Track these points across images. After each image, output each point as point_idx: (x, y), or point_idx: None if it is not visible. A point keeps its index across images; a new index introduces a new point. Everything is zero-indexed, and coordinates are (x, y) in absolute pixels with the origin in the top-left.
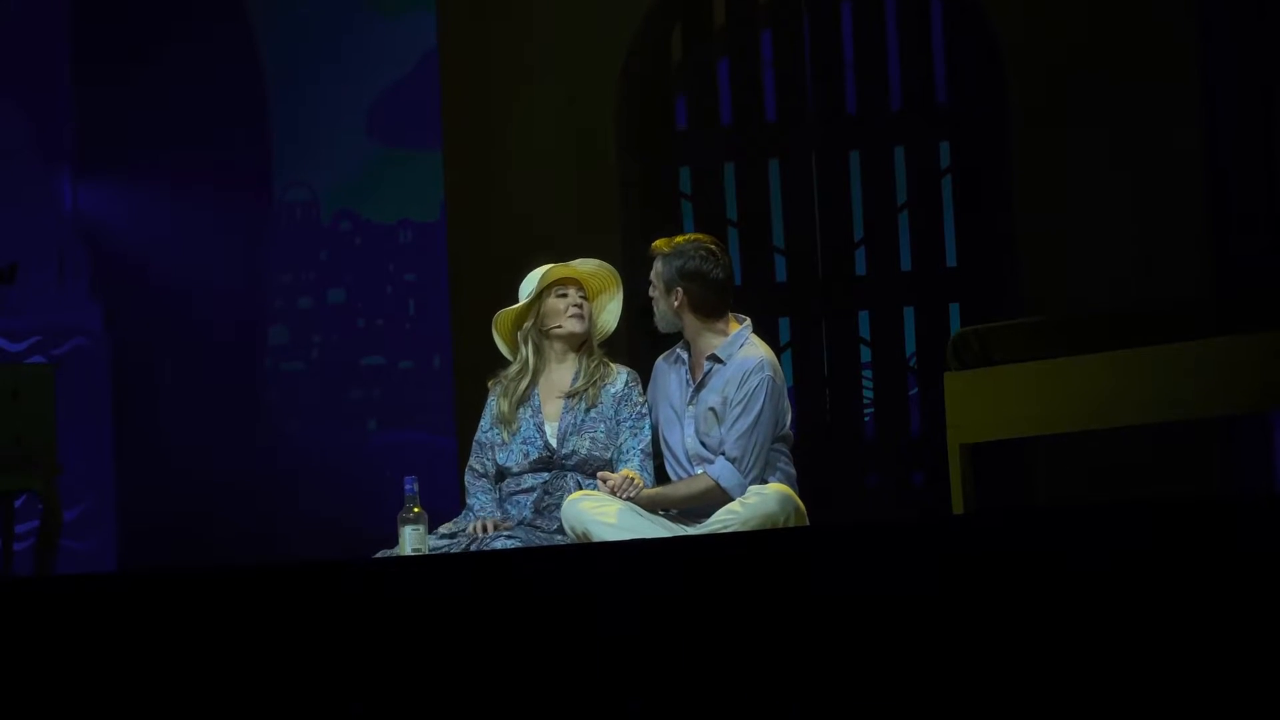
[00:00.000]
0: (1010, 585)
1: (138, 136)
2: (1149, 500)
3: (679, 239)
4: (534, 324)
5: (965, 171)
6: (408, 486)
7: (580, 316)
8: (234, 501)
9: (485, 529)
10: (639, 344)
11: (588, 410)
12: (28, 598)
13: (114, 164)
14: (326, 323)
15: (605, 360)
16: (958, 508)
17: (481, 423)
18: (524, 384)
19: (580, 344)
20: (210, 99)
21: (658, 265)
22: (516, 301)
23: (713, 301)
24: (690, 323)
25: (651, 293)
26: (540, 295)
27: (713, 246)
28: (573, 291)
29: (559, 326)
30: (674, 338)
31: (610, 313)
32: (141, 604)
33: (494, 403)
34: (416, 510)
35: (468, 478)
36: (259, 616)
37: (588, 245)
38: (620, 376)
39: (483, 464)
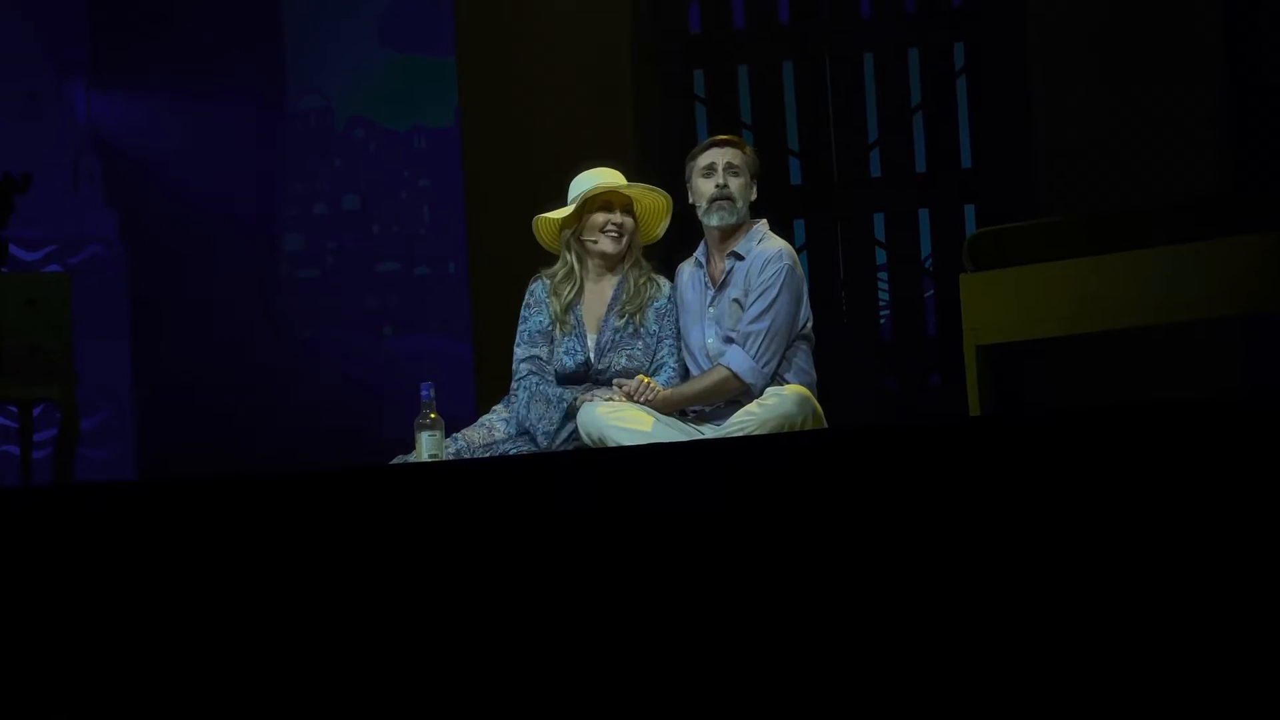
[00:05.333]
0: (1028, 487)
1: (151, 45)
2: (1167, 402)
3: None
4: (574, 232)
5: (980, 72)
6: (424, 392)
7: (618, 237)
8: (250, 408)
9: (641, 389)
10: (653, 248)
11: (632, 330)
12: (47, 506)
13: (127, 73)
14: (341, 229)
15: (651, 275)
16: (975, 409)
17: (530, 315)
18: (570, 289)
19: (621, 263)
20: (223, 7)
21: (746, 156)
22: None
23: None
24: (744, 217)
25: (735, 179)
26: (585, 205)
27: None
28: (618, 210)
29: (595, 242)
30: (677, 247)
31: (660, 227)
32: (160, 511)
33: (548, 300)
34: (433, 416)
35: (527, 380)
36: (276, 524)
37: (602, 149)
38: (664, 289)
39: (541, 351)
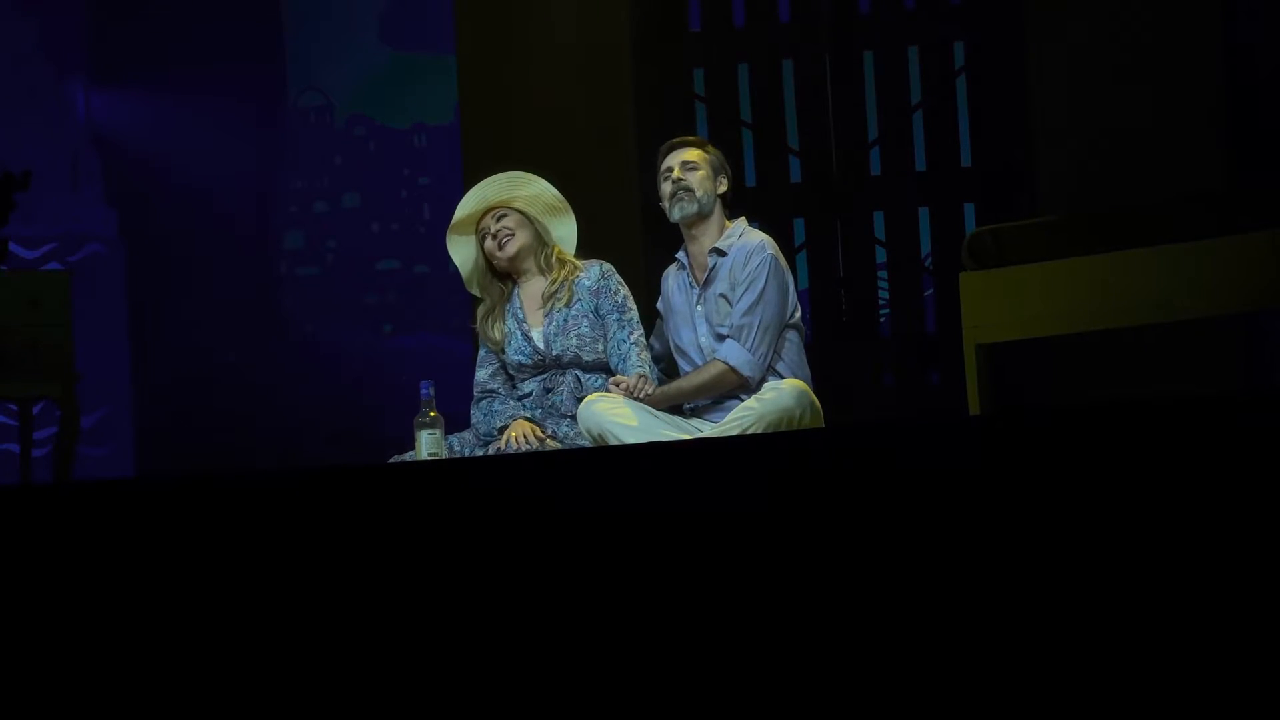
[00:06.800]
0: (1028, 485)
1: (151, 43)
2: (1168, 399)
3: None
4: (485, 270)
5: (980, 71)
6: (423, 390)
7: (510, 236)
8: (250, 406)
9: (526, 437)
10: (652, 247)
11: (567, 307)
12: (46, 503)
13: (127, 71)
14: (341, 227)
15: (574, 261)
16: (974, 408)
17: (479, 356)
18: (492, 321)
19: (528, 258)
20: (223, 5)
21: (707, 153)
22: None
23: (732, 198)
24: (716, 212)
25: (693, 174)
26: (479, 239)
27: None
28: (489, 222)
29: (499, 263)
30: (675, 245)
31: (540, 201)
32: (159, 509)
33: (484, 339)
34: (433, 414)
35: (481, 405)
36: (275, 522)
37: (601, 148)
38: (592, 269)
39: (493, 379)
